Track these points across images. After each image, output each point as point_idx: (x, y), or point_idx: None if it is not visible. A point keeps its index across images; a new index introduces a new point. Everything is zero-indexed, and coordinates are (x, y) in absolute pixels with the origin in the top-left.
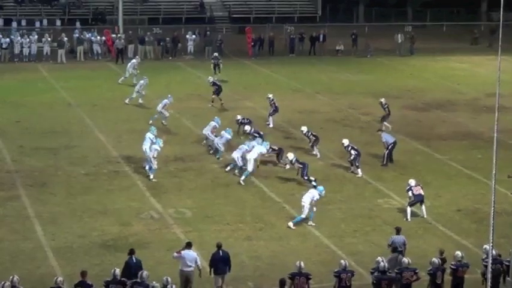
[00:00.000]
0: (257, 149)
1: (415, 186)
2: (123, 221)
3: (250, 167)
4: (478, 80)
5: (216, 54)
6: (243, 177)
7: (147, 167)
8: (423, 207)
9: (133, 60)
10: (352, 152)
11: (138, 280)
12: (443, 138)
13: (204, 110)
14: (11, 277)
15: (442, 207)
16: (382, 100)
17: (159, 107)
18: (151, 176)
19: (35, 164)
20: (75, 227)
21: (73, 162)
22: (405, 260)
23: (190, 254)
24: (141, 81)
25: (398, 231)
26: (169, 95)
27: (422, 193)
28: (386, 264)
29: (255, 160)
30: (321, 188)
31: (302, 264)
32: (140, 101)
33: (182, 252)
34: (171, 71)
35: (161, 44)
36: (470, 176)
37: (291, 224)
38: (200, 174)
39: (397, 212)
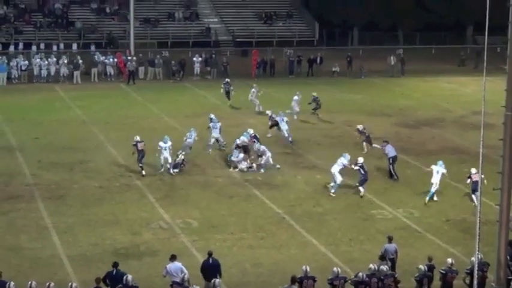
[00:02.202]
0: (341, 160)
1: (474, 174)
2: (134, 231)
3: (338, 179)
4: (465, 99)
5: (227, 80)
6: (333, 190)
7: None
8: (475, 195)
9: (253, 90)
10: (362, 171)
11: (124, 283)
12: (432, 153)
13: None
14: (29, 282)
15: (432, 217)
16: (360, 127)
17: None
18: (171, 171)
19: (52, 177)
20: (89, 236)
21: (87, 176)
22: (383, 267)
23: (175, 265)
24: (253, 90)
25: (390, 240)
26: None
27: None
28: (364, 275)
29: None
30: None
31: (308, 268)
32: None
33: (167, 266)
34: (179, 91)
35: (170, 66)
36: (458, 188)
37: (332, 192)
38: (206, 187)
39: (389, 222)
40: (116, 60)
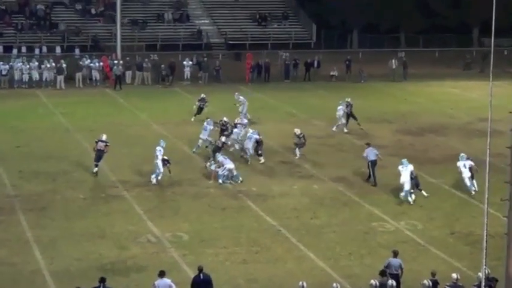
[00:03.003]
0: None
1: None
2: (120, 245)
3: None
4: (470, 105)
5: (203, 96)
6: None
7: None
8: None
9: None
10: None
11: None
12: (436, 161)
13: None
14: None
15: (436, 229)
16: (297, 131)
17: (204, 136)
18: (154, 181)
19: (34, 188)
20: (73, 251)
21: (71, 187)
22: (389, 281)
23: (164, 281)
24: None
25: (395, 254)
26: (208, 119)
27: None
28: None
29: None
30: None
31: (305, 284)
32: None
33: (155, 283)
34: (168, 96)
35: (159, 70)
36: (463, 199)
37: (410, 199)
38: (197, 198)
39: (391, 235)
40: (101, 64)
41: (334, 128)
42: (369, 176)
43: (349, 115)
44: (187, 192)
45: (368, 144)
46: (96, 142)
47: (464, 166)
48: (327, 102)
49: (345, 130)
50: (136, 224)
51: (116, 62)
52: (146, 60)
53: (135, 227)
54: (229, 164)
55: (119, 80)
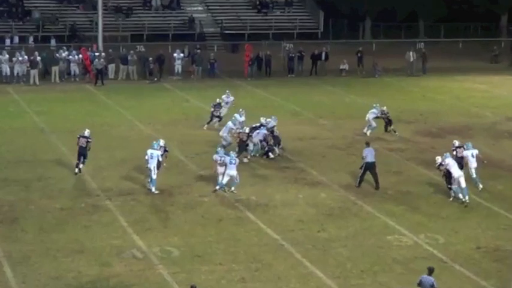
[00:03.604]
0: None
1: (459, 147)
2: (102, 261)
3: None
4: (498, 103)
5: (219, 101)
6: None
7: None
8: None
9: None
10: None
11: None
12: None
13: (193, 137)
14: None
15: (460, 244)
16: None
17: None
18: (153, 189)
19: (5, 197)
20: (48, 268)
21: (47, 196)
22: None
23: None
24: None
25: (430, 271)
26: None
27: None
28: None
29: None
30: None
31: None
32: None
33: None
34: (157, 93)
35: (146, 63)
36: (490, 209)
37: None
38: (189, 208)
39: (408, 250)
40: (80, 56)
41: (366, 131)
42: (360, 181)
43: (387, 123)
44: (178, 201)
45: (367, 144)
46: (79, 138)
47: (472, 156)
48: (335, 99)
49: (365, 131)
50: (120, 238)
51: (97, 54)
52: (131, 52)
53: (119, 241)
54: (233, 171)
55: (101, 74)
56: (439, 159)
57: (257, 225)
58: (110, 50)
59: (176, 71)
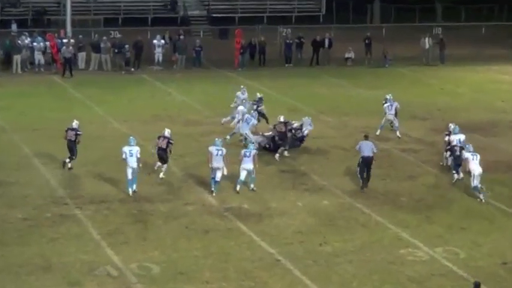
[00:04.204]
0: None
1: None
2: (71, 279)
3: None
4: None
5: (260, 96)
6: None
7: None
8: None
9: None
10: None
11: None
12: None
13: (177, 136)
14: None
15: (483, 259)
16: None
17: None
18: (130, 192)
19: None
20: (10, 287)
21: (8, 204)
22: None
23: None
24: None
25: (477, 287)
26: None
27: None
28: None
29: None
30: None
31: None
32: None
33: None
34: (134, 85)
35: (121, 51)
36: None
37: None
38: (171, 218)
39: (424, 266)
40: (46, 43)
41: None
42: (363, 181)
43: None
44: (159, 210)
45: (366, 137)
46: (66, 131)
47: (459, 141)
48: (340, 93)
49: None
50: (92, 252)
51: (65, 41)
52: (105, 38)
53: (91, 256)
54: (249, 164)
55: (69, 64)
56: (451, 127)
57: (250, 237)
58: (80, 36)
59: (156, 60)
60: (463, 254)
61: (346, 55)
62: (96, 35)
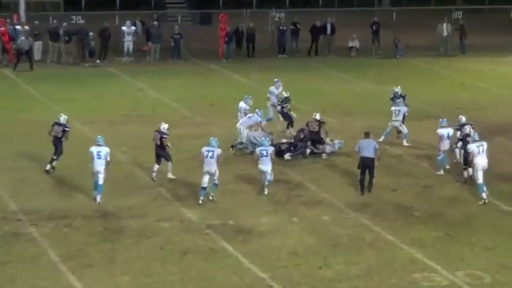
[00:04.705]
0: None
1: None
2: None
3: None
4: None
5: (287, 95)
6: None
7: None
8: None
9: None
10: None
11: None
12: (509, 178)
13: (150, 139)
14: None
15: (511, 284)
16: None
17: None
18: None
19: None
20: None
21: None
22: None
23: None
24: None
25: None
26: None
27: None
28: None
29: None
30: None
31: None
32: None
33: None
34: (100, 80)
35: (84, 40)
36: None
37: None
38: (144, 236)
39: None
40: None
41: (403, 140)
42: (362, 186)
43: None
44: (129, 227)
45: (367, 135)
46: (53, 126)
47: (448, 136)
48: (343, 88)
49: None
50: (50, 278)
51: (18, 27)
52: (65, 25)
53: (49, 283)
54: (266, 165)
55: (28, 55)
56: (462, 118)
57: (236, 259)
58: (36, 22)
59: (126, 50)
60: (488, 279)
61: (350, 44)
62: (55, 21)
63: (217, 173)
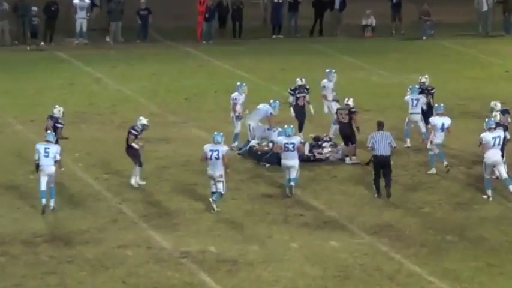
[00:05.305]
0: None
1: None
2: None
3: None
4: None
5: (301, 81)
6: None
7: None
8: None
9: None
10: None
11: None
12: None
13: (109, 143)
14: None
15: None
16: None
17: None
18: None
19: None
20: None
21: None
22: None
23: None
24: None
25: None
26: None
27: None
28: None
29: None
30: None
31: None
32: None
33: None
34: (46, 67)
35: (26, 17)
36: None
37: None
38: (101, 267)
39: None
40: None
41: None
42: (377, 188)
43: (428, 106)
44: (83, 255)
45: (380, 126)
46: (47, 119)
47: (442, 127)
48: (355, 77)
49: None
50: None
51: None
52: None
53: None
54: (292, 160)
55: None
56: (497, 106)
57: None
58: None
59: (78, 29)
60: None
61: (364, 22)
62: None
63: (222, 178)
